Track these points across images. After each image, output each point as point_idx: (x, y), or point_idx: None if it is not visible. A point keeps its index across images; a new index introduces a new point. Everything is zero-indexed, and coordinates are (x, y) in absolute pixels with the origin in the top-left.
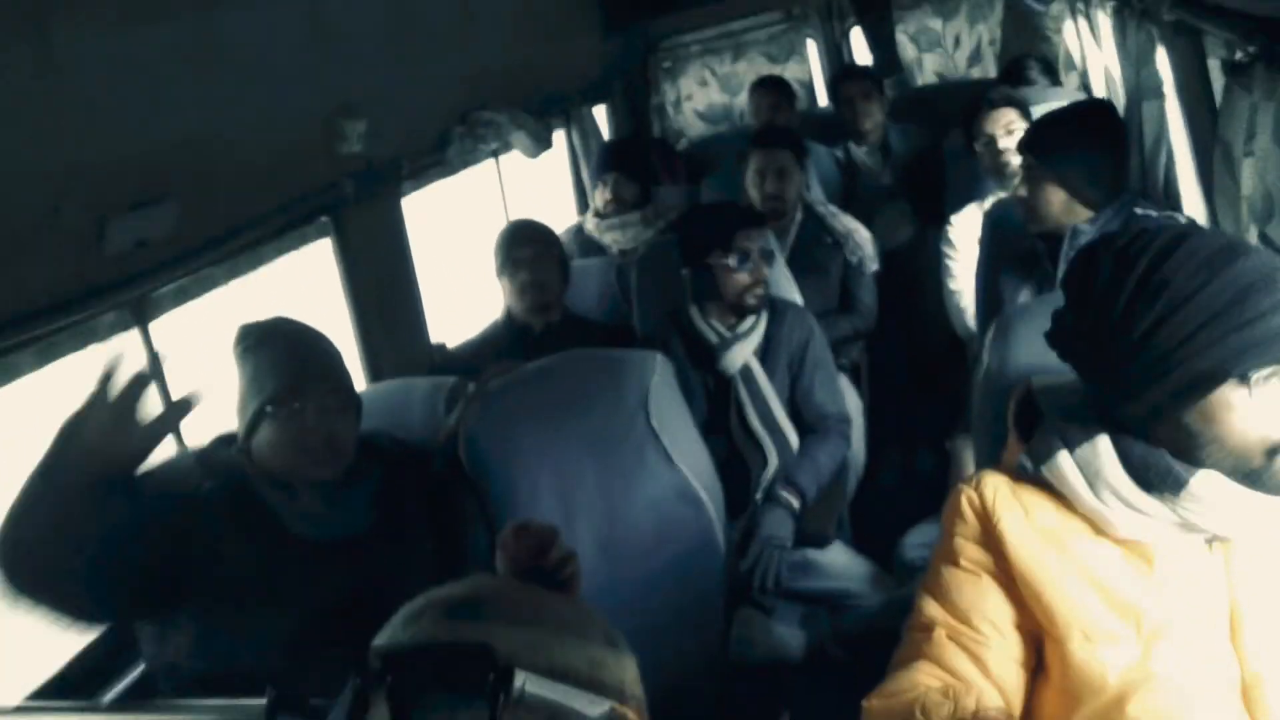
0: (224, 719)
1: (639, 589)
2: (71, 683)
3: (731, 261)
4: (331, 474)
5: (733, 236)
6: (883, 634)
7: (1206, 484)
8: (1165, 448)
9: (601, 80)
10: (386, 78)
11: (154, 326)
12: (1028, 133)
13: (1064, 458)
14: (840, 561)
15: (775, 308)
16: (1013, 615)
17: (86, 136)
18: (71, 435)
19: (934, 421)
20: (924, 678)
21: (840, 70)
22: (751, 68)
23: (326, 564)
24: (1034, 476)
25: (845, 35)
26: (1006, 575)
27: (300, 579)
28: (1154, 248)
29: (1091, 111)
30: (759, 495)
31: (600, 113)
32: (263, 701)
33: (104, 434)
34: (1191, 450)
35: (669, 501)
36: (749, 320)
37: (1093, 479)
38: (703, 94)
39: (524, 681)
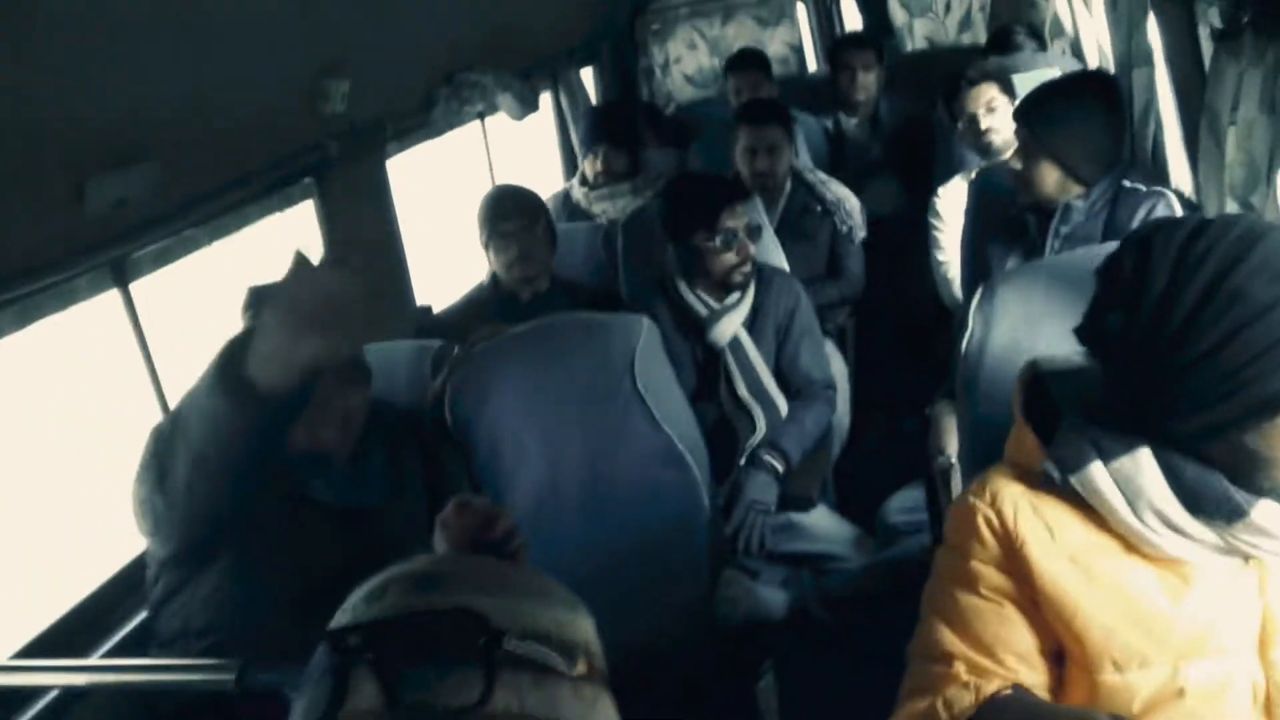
0: (202, 677)
1: (625, 549)
2: (57, 641)
3: (717, 242)
4: (344, 450)
5: (717, 217)
6: (865, 595)
7: (1268, 514)
8: (1218, 468)
9: (589, 42)
10: (371, 38)
11: (135, 288)
12: (1023, 105)
13: (1098, 471)
14: (823, 524)
15: (762, 275)
16: (1038, 643)
17: (67, 95)
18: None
19: (919, 387)
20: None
21: (841, 37)
22: (741, 31)
23: (346, 530)
24: (1059, 486)
25: None
26: (1031, 601)
27: (319, 544)
28: (1221, 250)
29: (1090, 85)
30: (744, 459)
31: (588, 75)
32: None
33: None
34: (1250, 473)
35: (655, 463)
36: (737, 293)
37: (1133, 498)
38: (691, 57)
39: (513, 643)
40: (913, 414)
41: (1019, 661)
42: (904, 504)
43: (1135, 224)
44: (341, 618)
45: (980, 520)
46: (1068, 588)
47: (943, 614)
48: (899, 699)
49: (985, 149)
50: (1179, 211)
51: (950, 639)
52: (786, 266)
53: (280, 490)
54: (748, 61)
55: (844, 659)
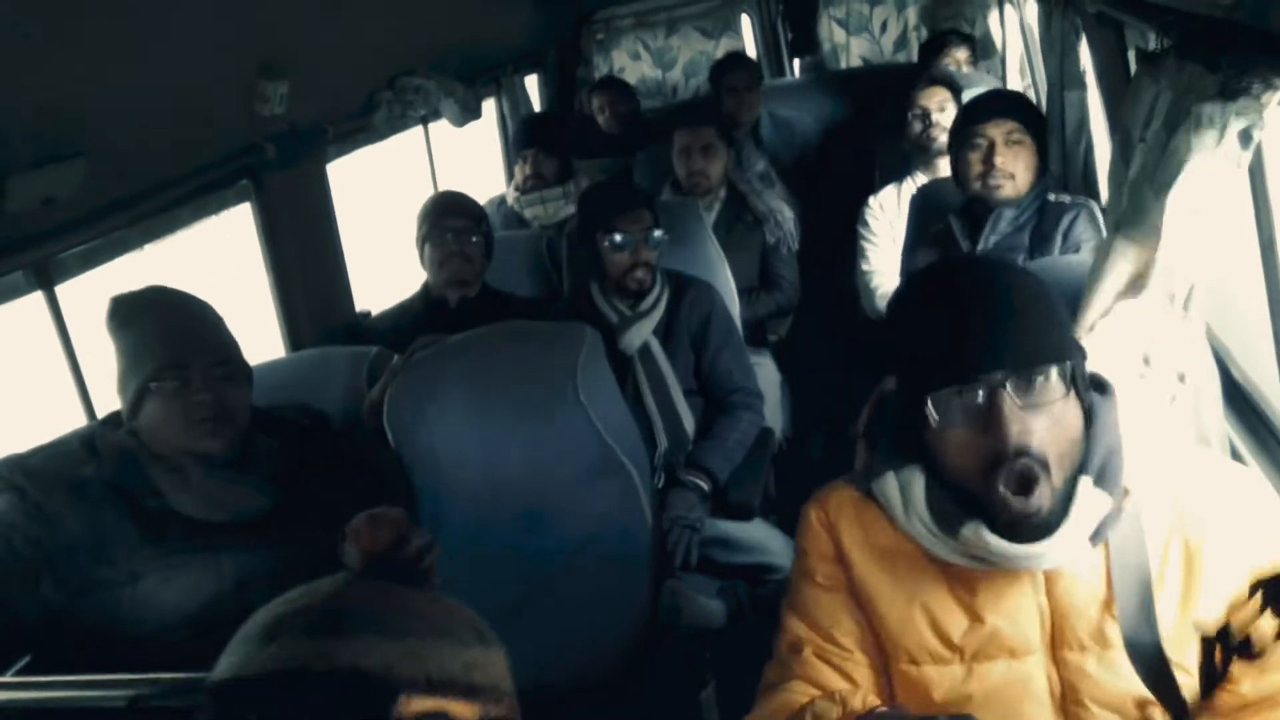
0: (96, 694)
1: (567, 559)
2: None
3: (612, 242)
4: (223, 447)
5: (612, 218)
6: None
7: (974, 534)
8: (949, 487)
9: (533, 50)
10: (312, 39)
11: (60, 290)
12: (1009, 101)
13: (890, 480)
14: (759, 535)
15: (679, 284)
16: (864, 631)
17: None
18: None
19: (860, 396)
20: (799, 698)
21: (721, 59)
22: (685, 43)
23: (225, 545)
24: (870, 493)
25: (780, 13)
26: (851, 591)
27: (196, 562)
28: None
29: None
30: (657, 478)
31: (532, 84)
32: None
33: None
34: (959, 489)
35: (596, 473)
36: (649, 299)
37: (908, 505)
38: (635, 67)
39: (404, 703)
40: (854, 423)
41: (854, 642)
42: None
43: (1059, 232)
44: (231, 657)
45: (814, 517)
46: (871, 581)
47: (793, 607)
48: (759, 690)
49: (929, 144)
50: (1101, 221)
51: (799, 628)
52: (731, 277)
53: (144, 514)
54: (608, 82)
55: None
